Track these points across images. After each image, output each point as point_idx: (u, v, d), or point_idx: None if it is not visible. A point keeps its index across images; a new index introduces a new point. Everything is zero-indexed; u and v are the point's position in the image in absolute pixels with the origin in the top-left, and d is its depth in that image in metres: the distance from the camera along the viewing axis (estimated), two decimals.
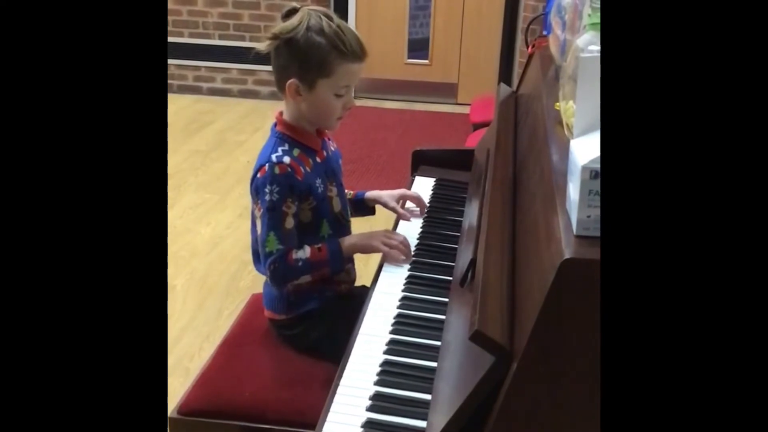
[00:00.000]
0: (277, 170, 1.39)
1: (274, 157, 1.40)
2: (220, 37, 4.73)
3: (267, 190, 1.38)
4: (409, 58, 4.82)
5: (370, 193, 1.69)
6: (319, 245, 1.45)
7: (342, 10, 4.57)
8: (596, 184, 0.78)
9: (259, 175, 1.40)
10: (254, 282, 2.58)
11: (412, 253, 1.52)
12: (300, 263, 1.42)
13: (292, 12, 1.40)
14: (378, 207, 1.72)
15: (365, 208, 1.69)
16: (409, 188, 1.85)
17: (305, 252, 1.43)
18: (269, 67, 1.44)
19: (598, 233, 0.79)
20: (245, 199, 1.47)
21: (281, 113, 1.48)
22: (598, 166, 0.77)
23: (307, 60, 1.37)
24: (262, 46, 1.40)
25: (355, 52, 1.39)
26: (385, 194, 1.70)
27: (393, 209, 1.69)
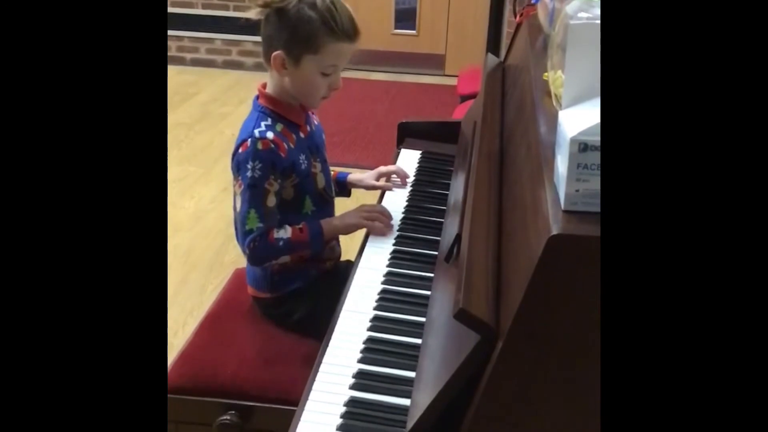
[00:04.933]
0: (260, 146, 1.35)
1: (257, 132, 1.36)
2: (204, 6, 4.63)
3: (249, 166, 1.34)
4: (396, 28, 4.76)
5: (352, 177, 1.67)
6: (300, 226, 1.42)
7: None
8: (585, 157, 0.75)
9: (241, 150, 1.36)
10: (239, 257, 2.54)
11: (397, 228, 1.50)
12: (281, 243, 1.38)
13: None
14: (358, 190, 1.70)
15: (344, 190, 1.67)
16: (395, 161, 1.83)
17: (286, 231, 1.40)
18: (255, 38, 1.41)
19: (586, 208, 0.76)
20: (229, 173, 1.43)
21: (264, 85, 1.44)
22: (587, 138, 0.74)
23: (295, 33, 1.33)
24: (252, 13, 1.36)
25: (346, 31, 1.34)
26: (365, 177, 1.68)
27: (373, 187, 1.68)
